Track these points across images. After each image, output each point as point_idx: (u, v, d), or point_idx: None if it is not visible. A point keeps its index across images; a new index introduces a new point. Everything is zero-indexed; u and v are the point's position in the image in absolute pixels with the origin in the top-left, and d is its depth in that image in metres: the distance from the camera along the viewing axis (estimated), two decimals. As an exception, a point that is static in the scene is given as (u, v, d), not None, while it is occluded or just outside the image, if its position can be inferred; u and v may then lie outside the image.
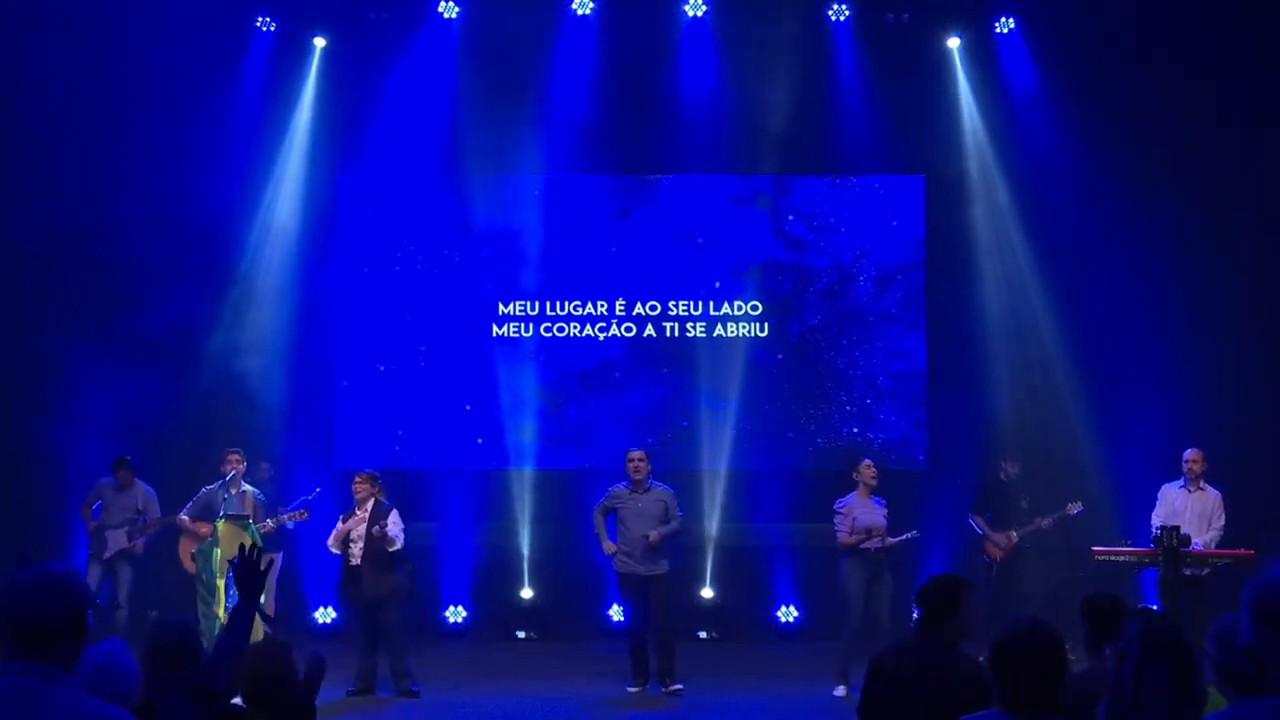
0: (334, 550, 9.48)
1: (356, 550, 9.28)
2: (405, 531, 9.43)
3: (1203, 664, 3.25)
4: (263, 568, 3.87)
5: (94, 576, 10.41)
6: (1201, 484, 9.63)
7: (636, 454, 9.60)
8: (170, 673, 4.01)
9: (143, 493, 10.65)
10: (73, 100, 11.31)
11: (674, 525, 9.52)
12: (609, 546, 9.49)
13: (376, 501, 9.40)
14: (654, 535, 9.33)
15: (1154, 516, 9.62)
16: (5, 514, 10.87)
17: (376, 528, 9.19)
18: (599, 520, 9.63)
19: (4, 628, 2.77)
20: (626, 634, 9.69)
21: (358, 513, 9.38)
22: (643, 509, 9.42)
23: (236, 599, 9.43)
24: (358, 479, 9.51)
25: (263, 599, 9.88)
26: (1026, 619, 3.32)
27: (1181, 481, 9.67)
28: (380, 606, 9.22)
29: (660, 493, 9.57)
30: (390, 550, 9.23)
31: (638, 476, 9.50)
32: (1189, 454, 9.68)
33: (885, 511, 9.57)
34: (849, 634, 9.29)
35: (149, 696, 3.83)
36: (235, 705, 4.03)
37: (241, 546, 3.98)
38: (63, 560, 10.15)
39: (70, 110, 11.30)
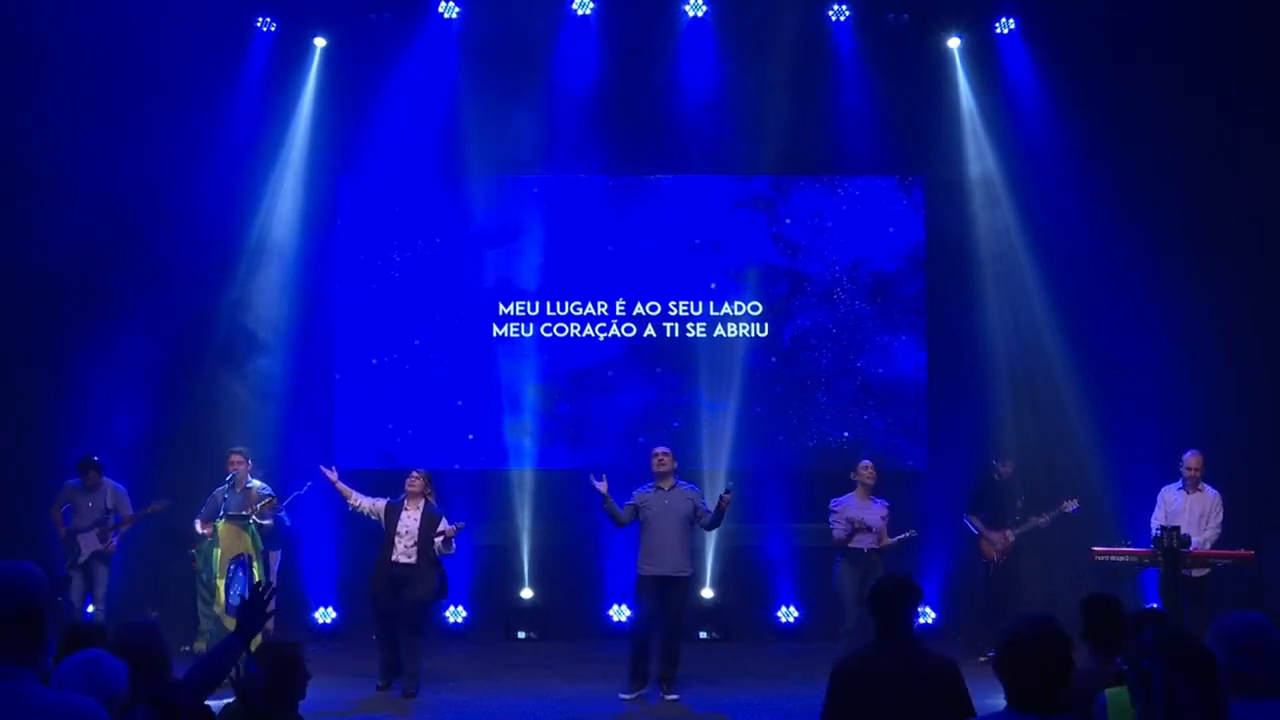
0: (358, 506, 9.50)
1: (403, 548, 9.27)
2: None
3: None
4: (269, 608, 3.90)
5: (77, 584, 10.28)
6: (1200, 485, 9.63)
7: (662, 449, 9.45)
8: (135, 674, 4.02)
9: (112, 491, 10.46)
10: (73, 100, 11.31)
11: (714, 517, 9.29)
12: (601, 485, 9.17)
13: (428, 503, 9.43)
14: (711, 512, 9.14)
15: (1153, 519, 9.63)
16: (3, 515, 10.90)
17: (441, 540, 9.23)
18: (613, 507, 9.27)
19: None
20: (631, 636, 9.40)
21: (407, 506, 9.38)
22: (669, 505, 9.24)
23: (234, 598, 9.45)
24: (415, 473, 9.52)
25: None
26: (1031, 617, 3.31)
27: (1180, 483, 9.68)
28: (417, 607, 9.27)
29: (687, 491, 9.42)
30: (436, 551, 9.31)
31: (662, 470, 9.27)
32: (1188, 457, 9.68)
33: (885, 512, 9.56)
34: (844, 634, 9.28)
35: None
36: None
37: (256, 585, 4.00)
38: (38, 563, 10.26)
39: (70, 110, 11.29)
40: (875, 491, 9.70)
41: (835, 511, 9.52)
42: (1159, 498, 9.76)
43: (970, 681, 4.49)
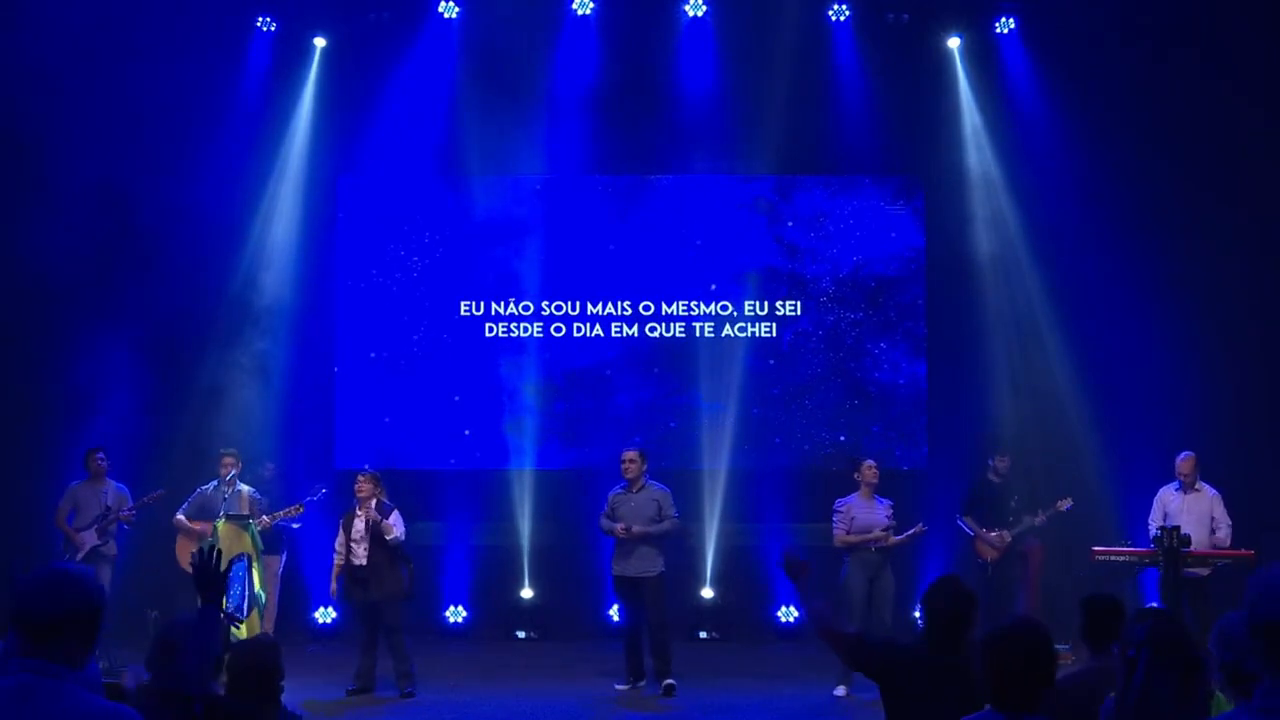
0: (340, 556, 9.43)
1: (360, 550, 9.25)
2: (407, 531, 9.49)
3: (1209, 666, 3.26)
4: (222, 569, 3.85)
5: None
6: (1197, 485, 9.63)
7: (629, 454, 9.57)
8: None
9: (114, 491, 10.47)
10: (72, 101, 11.30)
11: (665, 525, 9.43)
12: (620, 529, 9.34)
13: (379, 502, 9.39)
14: (620, 529, 9.30)
15: (1150, 521, 9.63)
16: (4, 515, 10.90)
17: (375, 516, 9.19)
18: (608, 526, 9.51)
19: (17, 625, 2.79)
20: (623, 636, 9.69)
21: (359, 511, 9.36)
22: (635, 508, 9.40)
23: (235, 598, 9.44)
24: (361, 478, 9.47)
25: (263, 599, 10.02)
26: (1015, 618, 3.33)
27: (1177, 484, 9.70)
28: (384, 606, 9.22)
29: (655, 492, 9.52)
30: (392, 546, 9.22)
31: (629, 475, 9.47)
32: (1181, 460, 9.68)
33: (890, 511, 9.53)
34: (851, 633, 9.27)
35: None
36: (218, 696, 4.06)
37: (200, 549, 4.01)
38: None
39: (70, 111, 11.28)
40: (878, 491, 9.68)
41: (839, 512, 9.50)
42: (1156, 499, 9.76)
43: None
